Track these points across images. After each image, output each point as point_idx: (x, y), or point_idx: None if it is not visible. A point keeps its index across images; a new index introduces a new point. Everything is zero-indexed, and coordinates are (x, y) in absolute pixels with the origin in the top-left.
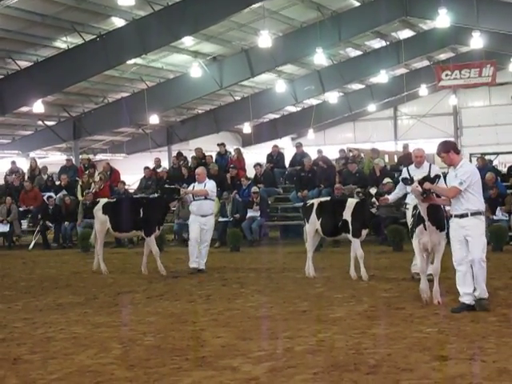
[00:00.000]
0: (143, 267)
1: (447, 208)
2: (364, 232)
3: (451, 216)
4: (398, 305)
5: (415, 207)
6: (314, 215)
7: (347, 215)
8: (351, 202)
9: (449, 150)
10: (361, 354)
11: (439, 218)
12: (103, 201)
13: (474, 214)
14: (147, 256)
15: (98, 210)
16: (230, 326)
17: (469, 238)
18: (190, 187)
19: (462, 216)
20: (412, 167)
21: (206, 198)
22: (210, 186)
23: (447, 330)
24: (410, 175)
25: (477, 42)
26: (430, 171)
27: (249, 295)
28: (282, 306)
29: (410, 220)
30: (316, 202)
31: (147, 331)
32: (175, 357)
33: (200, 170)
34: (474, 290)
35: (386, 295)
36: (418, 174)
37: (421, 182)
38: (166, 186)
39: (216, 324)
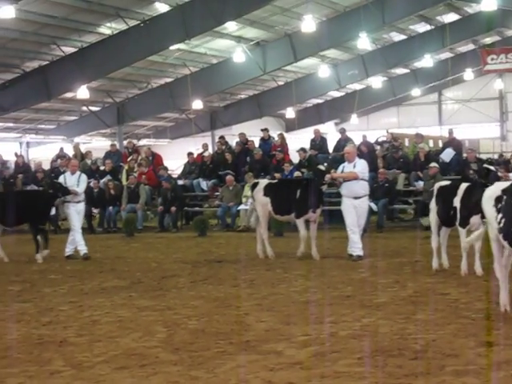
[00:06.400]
0: (298, 252)
1: None
2: (474, 219)
3: None
4: (443, 290)
5: (499, 199)
6: (433, 201)
7: (457, 202)
8: (463, 187)
9: None
10: (405, 340)
11: None
12: (264, 182)
13: None
14: (315, 239)
15: (258, 192)
16: (274, 311)
17: None
18: (340, 167)
19: None
20: None
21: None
22: (360, 167)
23: (493, 315)
24: None
25: None
26: None
27: (292, 280)
28: (326, 291)
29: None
30: (436, 185)
31: (191, 315)
32: (219, 341)
33: (350, 148)
34: None
35: (430, 281)
36: None
37: None
38: (320, 167)
39: (260, 308)
